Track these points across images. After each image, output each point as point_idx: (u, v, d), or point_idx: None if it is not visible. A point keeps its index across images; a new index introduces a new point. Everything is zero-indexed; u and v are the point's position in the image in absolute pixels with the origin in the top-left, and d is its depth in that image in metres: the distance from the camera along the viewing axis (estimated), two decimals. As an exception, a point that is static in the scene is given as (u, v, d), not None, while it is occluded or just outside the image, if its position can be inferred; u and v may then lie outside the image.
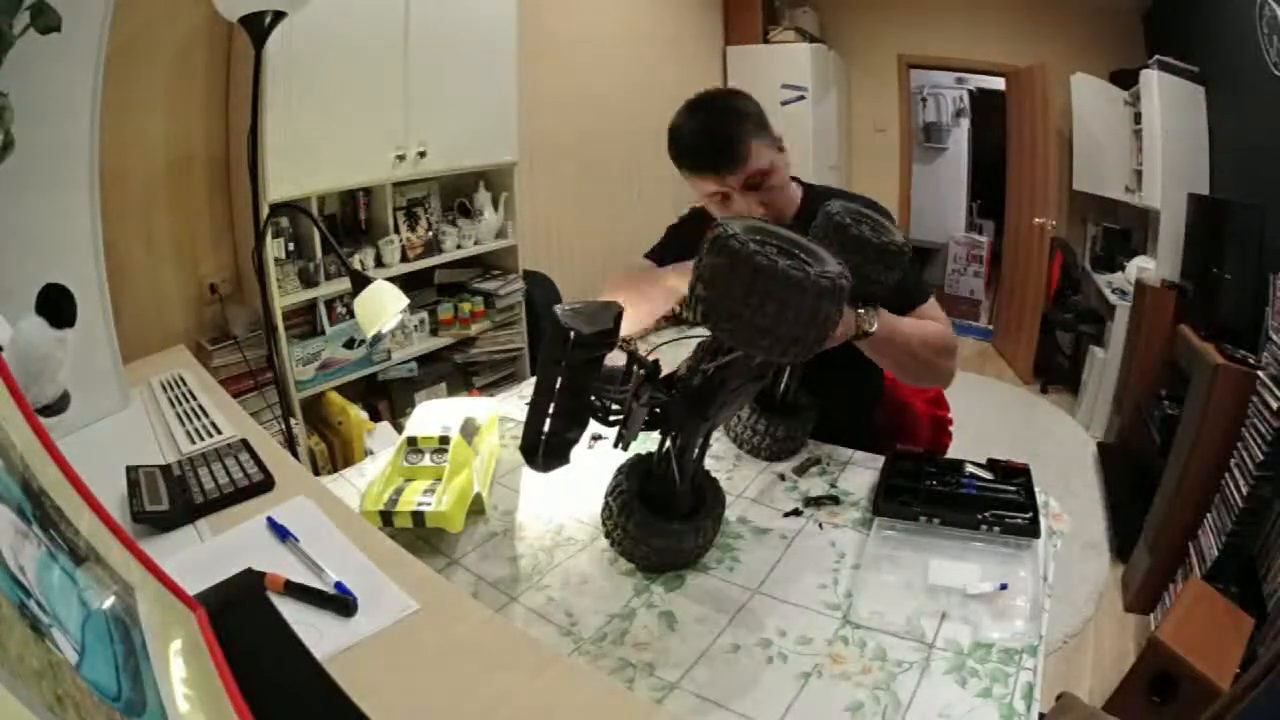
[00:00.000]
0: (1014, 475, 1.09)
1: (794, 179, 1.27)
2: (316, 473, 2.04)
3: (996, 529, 0.97)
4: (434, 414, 1.11)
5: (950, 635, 0.80)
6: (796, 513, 1.04)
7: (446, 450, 1.02)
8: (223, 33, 1.96)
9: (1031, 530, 0.96)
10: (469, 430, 1.08)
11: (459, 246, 2.54)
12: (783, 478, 1.14)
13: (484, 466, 1.09)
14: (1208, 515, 2.09)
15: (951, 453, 1.30)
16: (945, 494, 1.05)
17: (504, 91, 2.51)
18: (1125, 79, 3.58)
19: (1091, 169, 3.84)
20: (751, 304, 0.69)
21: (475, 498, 1.02)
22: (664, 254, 1.35)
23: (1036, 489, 1.06)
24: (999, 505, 1.01)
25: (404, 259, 2.38)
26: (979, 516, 0.98)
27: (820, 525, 1.02)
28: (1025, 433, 3.50)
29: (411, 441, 1.05)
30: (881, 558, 0.94)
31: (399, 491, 0.98)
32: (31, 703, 0.34)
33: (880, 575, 0.91)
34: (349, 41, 1.98)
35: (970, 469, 1.12)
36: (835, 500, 1.08)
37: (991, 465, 1.12)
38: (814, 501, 1.07)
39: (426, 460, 1.03)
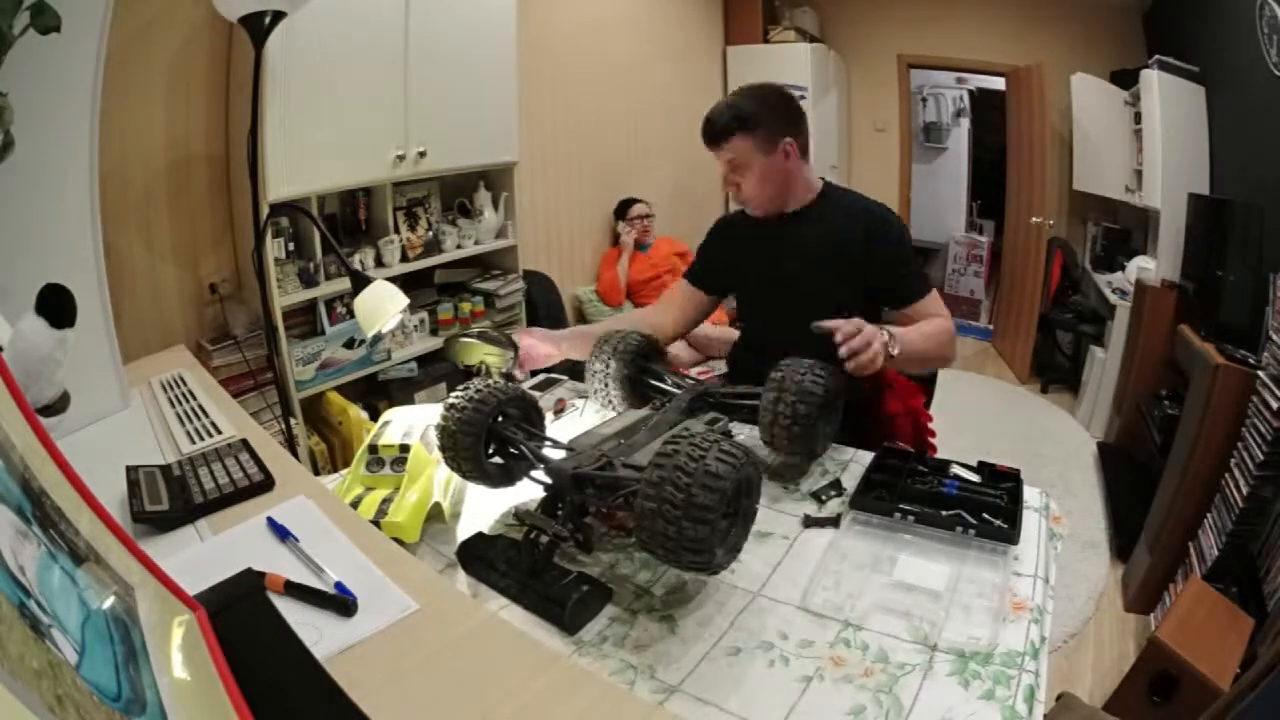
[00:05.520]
0: (1003, 479, 1.08)
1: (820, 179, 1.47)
2: (316, 473, 2.04)
3: (970, 531, 0.95)
4: (402, 422, 1.11)
5: (953, 638, 0.80)
6: (808, 520, 1.03)
7: (407, 459, 1.02)
8: (223, 33, 1.95)
9: (1006, 536, 0.94)
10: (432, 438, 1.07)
11: (459, 246, 2.54)
12: (788, 488, 1.13)
13: (449, 474, 1.07)
14: (1208, 515, 2.09)
15: (950, 452, 1.30)
16: (924, 492, 1.04)
17: (504, 91, 2.51)
18: (1125, 79, 3.58)
19: (1091, 169, 3.84)
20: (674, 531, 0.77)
21: (435, 506, 1.01)
22: (703, 267, 1.57)
23: (1034, 492, 1.06)
24: (979, 508, 1.00)
25: (404, 259, 2.37)
26: (952, 517, 0.97)
27: (829, 525, 1.02)
28: (1025, 433, 3.51)
29: (373, 450, 1.05)
30: (883, 559, 0.94)
31: (358, 500, 0.98)
32: (31, 703, 0.34)
33: (883, 576, 0.91)
34: (349, 41, 1.98)
35: (956, 470, 1.11)
36: (839, 487, 1.08)
37: (981, 467, 1.11)
38: (821, 496, 1.07)
39: (387, 470, 1.04)
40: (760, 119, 1.32)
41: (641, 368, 1.34)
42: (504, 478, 1.04)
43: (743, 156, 1.34)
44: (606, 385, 1.30)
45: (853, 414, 1.40)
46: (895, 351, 1.18)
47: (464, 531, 1.00)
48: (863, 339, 1.11)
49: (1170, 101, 3.13)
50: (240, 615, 0.66)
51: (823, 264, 1.37)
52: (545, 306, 2.96)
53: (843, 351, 1.10)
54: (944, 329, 1.35)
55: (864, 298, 1.36)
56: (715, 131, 1.34)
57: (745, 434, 1.21)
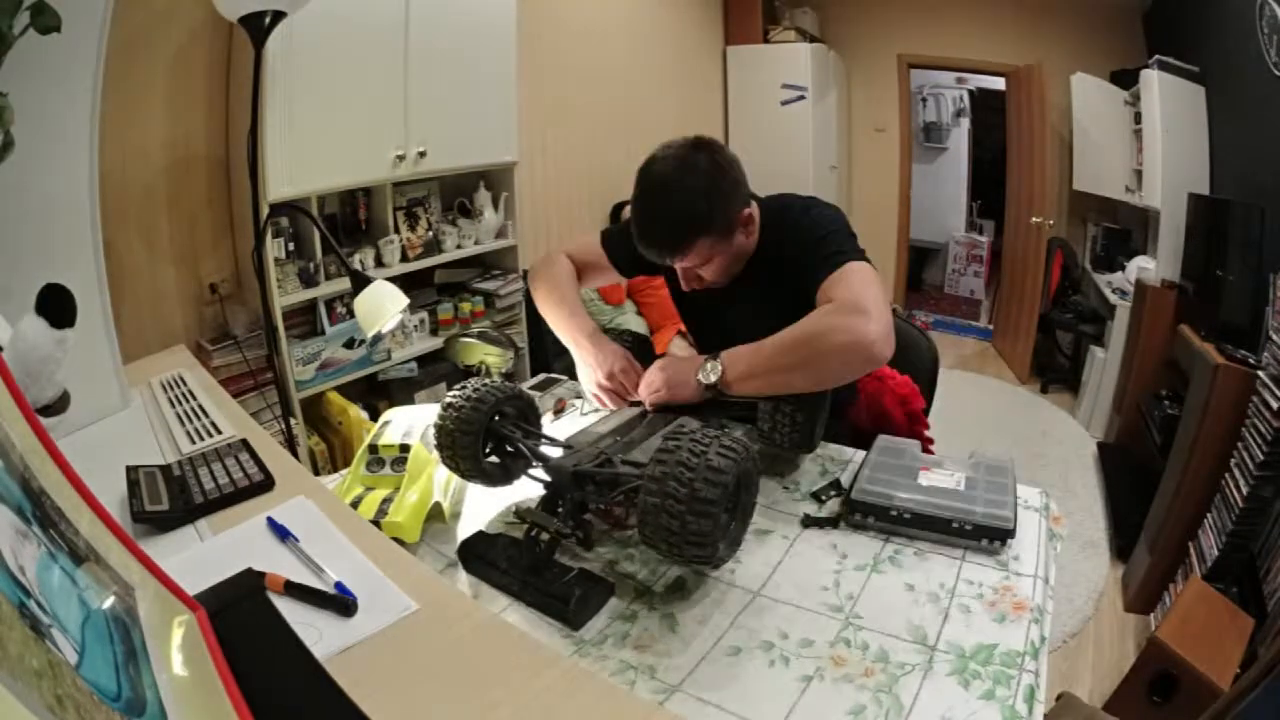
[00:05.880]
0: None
1: (753, 197, 1.22)
2: (316, 473, 2.04)
3: (967, 527, 0.94)
4: (402, 422, 1.11)
5: (953, 637, 0.80)
6: (807, 520, 1.03)
7: (407, 459, 1.02)
8: (223, 33, 1.96)
9: (1001, 535, 0.92)
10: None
11: (459, 246, 2.54)
12: (788, 488, 1.13)
13: (449, 473, 1.06)
14: (1208, 515, 2.09)
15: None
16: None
17: (504, 91, 2.51)
18: (1125, 79, 3.58)
19: (1091, 169, 3.84)
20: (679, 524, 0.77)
21: (435, 506, 1.01)
22: (616, 249, 1.40)
23: (1034, 492, 1.06)
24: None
25: (404, 259, 2.38)
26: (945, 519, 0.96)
27: (828, 525, 1.02)
28: (1025, 433, 3.51)
29: (373, 450, 1.05)
30: (884, 559, 0.94)
31: (358, 500, 0.98)
32: (31, 703, 0.34)
33: (883, 576, 0.91)
34: (349, 41, 1.98)
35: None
36: (838, 487, 1.08)
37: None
38: (821, 496, 1.07)
39: (387, 469, 1.04)
40: (714, 208, 1.09)
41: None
42: (502, 476, 1.04)
43: (706, 255, 1.13)
44: None
45: (846, 414, 1.40)
46: (710, 378, 1.06)
47: (464, 531, 1.00)
48: (645, 385, 1.14)
49: (1170, 101, 3.13)
50: (240, 615, 0.65)
51: (773, 300, 1.16)
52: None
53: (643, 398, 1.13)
54: (820, 317, 1.01)
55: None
56: (670, 248, 1.11)
57: (739, 432, 1.21)
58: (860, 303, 0.99)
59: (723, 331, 1.18)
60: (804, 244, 1.12)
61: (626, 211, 3.77)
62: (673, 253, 1.13)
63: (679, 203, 1.09)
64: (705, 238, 1.10)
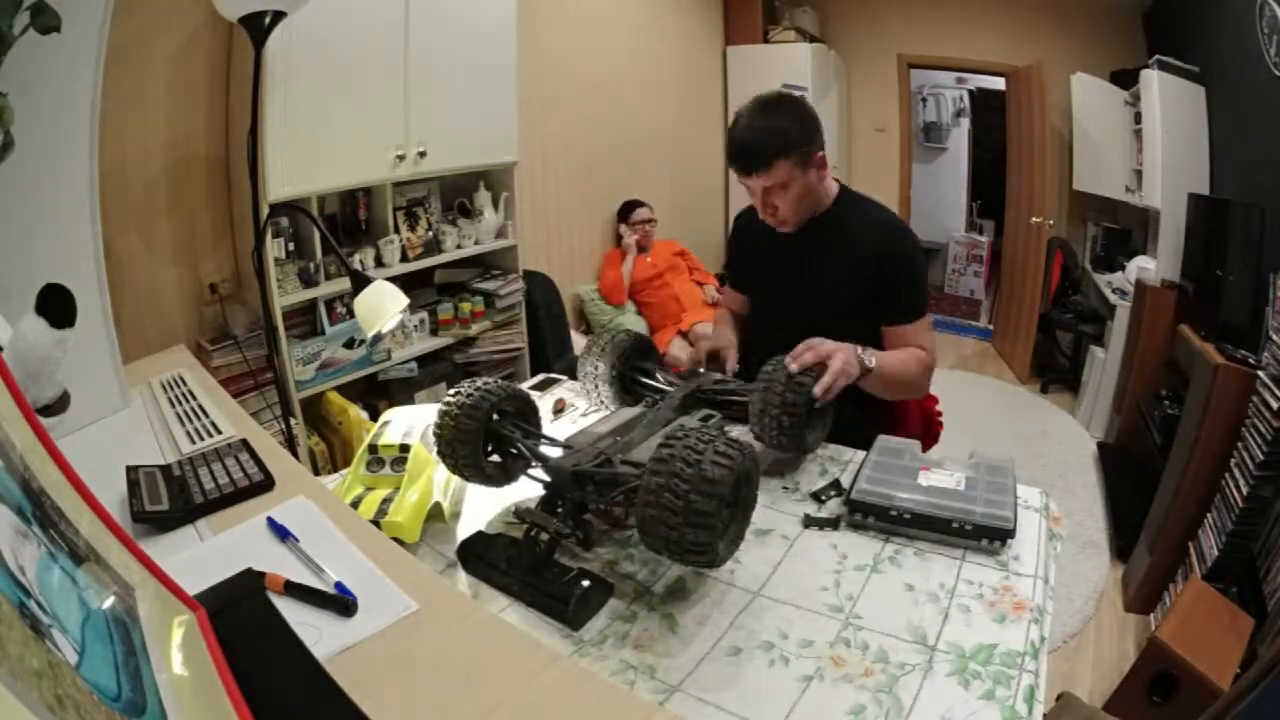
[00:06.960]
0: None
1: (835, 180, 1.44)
2: (316, 473, 2.04)
3: (967, 527, 0.95)
4: (402, 422, 1.11)
5: (952, 637, 0.80)
6: (808, 520, 1.03)
7: (407, 459, 1.02)
8: (223, 33, 1.95)
9: (1001, 534, 0.93)
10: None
11: (459, 246, 2.54)
12: (787, 488, 1.13)
13: (449, 474, 1.07)
14: (1208, 515, 2.09)
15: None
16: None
17: (504, 91, 2.51)
18: (1125, 79, 3.58)
19: (1091, 169, 3.84)
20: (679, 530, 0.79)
21: (435, 506, 1.01)
22: (733, 268, 1.67)
23: (1034, 492, 1.06)
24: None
25: (404, 259, 2.37)
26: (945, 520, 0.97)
27: (828, 526, 1.02)
28: (1025, 433, 3.50)
29: (373, 450, 1.05)
30: (884, 559, 0.94)
31: (358, 500, 0.98)
32: (31, 703, 0.34)
33: (883, 576, 0.91)
34: (349, 41, 1.98)
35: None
36: (838, 487, 1.08)
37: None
38: (821, 496, 1.07)
39: (387, 469, 1.04)
40: (798, 137, 1.28)
41: (633, 366, 1.35)
42: (502, 476, 1.05)
43: (784, 178, 1.28)
44: (597, 385, 1.31)
45: (863, 406, 1.40)
46: (872, 363, 1.19)
47: (464, 531, 1.00)
48: (814, 355, 1.13)
49: (1170, 101, 3.13)
50: (240, 615, 0.65)
51: (836, 272, 1.36)
52: (545, 306, 2.96)
53: (793, 366, 1.12)
54: (921, 359, 1.32)
55: (872, 310, 1.34)
56: (758, 157, 1.27)
57: (739, 431, 1.21)
58: (932, 357, 1.35)
59: (792, 275, 1.41)
60: (904, 275, 1.34)
61: (638, 214, 3.78)
62: (762, 162, 1.27)
63: (776, 122, 1.27)
64: (789, 159, 1.27)
